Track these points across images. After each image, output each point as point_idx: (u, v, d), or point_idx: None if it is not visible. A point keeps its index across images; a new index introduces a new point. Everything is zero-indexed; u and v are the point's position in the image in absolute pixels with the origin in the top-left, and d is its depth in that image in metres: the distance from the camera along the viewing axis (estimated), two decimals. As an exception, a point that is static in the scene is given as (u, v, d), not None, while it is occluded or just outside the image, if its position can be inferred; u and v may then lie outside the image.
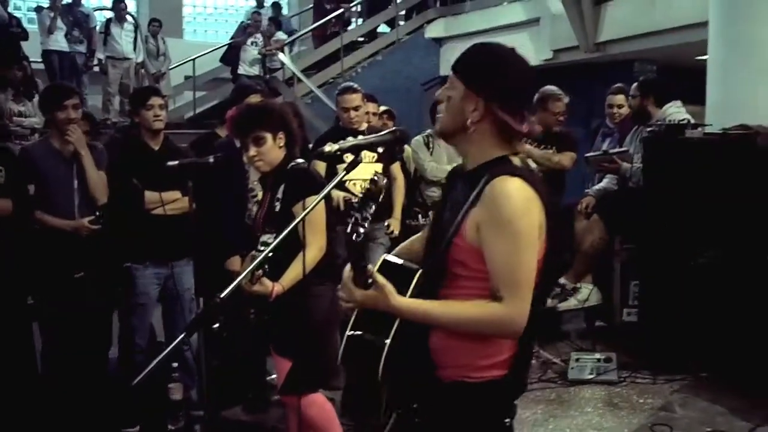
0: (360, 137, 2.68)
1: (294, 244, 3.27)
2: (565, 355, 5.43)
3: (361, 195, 2.05)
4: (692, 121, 5.33)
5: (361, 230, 2.03)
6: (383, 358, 2.04)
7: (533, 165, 5.51)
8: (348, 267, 2.09)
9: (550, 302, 5.72)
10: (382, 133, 2.31)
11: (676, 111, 5.44)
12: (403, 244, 2.43)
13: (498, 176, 1.97)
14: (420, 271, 2.09)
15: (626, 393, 4.91)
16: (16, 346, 4.07)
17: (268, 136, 3.39)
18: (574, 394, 4.93)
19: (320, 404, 3.53)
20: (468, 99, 2.03)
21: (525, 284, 1.96)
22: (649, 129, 5.32)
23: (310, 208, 2.29)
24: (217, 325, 2.14)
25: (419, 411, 2.11)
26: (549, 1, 10.53)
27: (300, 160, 3.45)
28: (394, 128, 2.35)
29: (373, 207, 2.09)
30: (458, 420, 2.08)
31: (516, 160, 2.08)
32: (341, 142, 2.24)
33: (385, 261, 2.13)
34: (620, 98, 6.08)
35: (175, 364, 4.40)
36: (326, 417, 3.54)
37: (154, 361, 2.06)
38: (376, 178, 2.11)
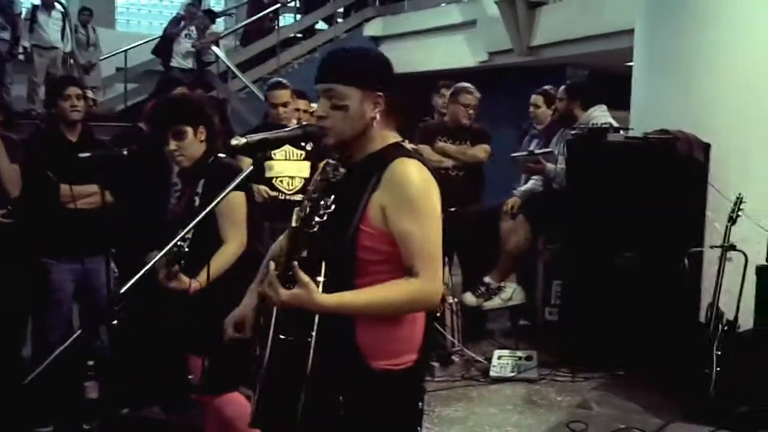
0: (272, 132, 2.64)
1: (214, 241, 3.23)
2: (488, 353, 5.48)
3: (322, 182, 2.02)
4: (615, 125, 5.43)
5: (317, 220, 2.00)
6: (311, 355, 2.04)
7: (449, 162, 5.61)
8: (271, 264, 2.07)
9: (475, 301, 5.79)
10: (292, 127, 2.30)
11: (600, 114, 5.55)
12: (273, 246, 2.46)
13: (396, 159, 2.08)
14: (323, 263, 2.07)
15: (545, 391, 4.98)
16: None
17: (189, 129, 3.32)
18: (496, 392, 4.99)
19: (238, 403, 3.48)
20: (367, 99, 2.12)
21: (436, 257, 2.08)
22: (573, 132, 5.41)
23: (215, 203, 2.25)
24: (116, 321, 2.09)
25: (344, 403, 2.12)
26: (485, 4, 10.64)
27: (222, 155, 3.40)
28: (303, 123, 2.33)
29: (333, 197, 2.08)
30: (382, 409, 2.13)
31: (407, 145, 2.19)
32: (249, 135, 2.22)
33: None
34: (539, 99, 6.26)
35: (91, 362, 4.31)
36: (244, 415, 3.49)
37: (48, 359, 2.01)
38: (334, 163, 2.10)
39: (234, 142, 2.18)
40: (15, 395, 4.29)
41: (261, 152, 2.23)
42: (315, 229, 2.04)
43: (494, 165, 6.05)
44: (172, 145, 3.32)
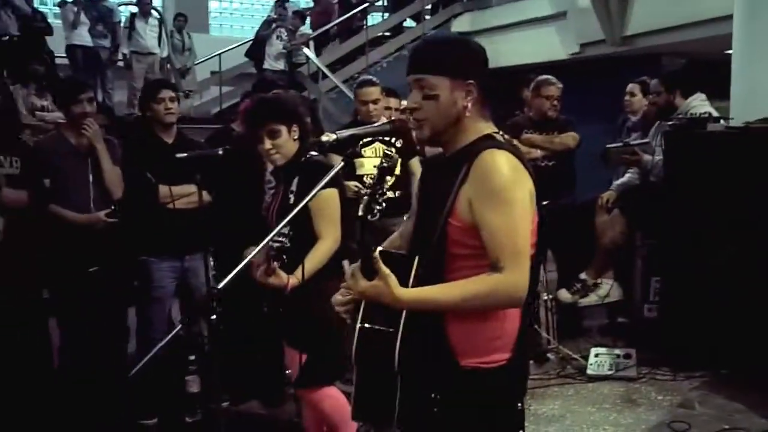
0: (360, 127, 2.65)
1: (310, 237, 3.27)
2: (584, 351, 5.38)
3: (378, 170, 2.04)
4: (715, 114, 5.23)
5: (377, 208, 2.01)
6: (397, 347, 2.03)
7: (538, 153, 5.52)
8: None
9: (570, 298, 5.71)
10: (380, 123, 2.30)
11: (699, 104, 5.35)
12: (385, 243, 2.43)
13: (485, 150, 2.03)
14: (417, 258, 2.07)
15: (645, 389, 4.85)
16: (32, 340, 4.10)
17: (283, 128, 3.38)
18: (593, 390, 4.89)
19: (335, 397, 3.52)
20: (458, 89, 2.09)
21: (523, 251, 1.99)
22: (670, 122, 5.25)
23: (306, 199, 2.26)
24: (214, 316, 2.13)
25: (438, 400, 2.09)
26: (575, -5, 10.44)
27: (314, 153, 3.44)
28: (393, 118, 2.33)
29: (389, 182, 2.09)
30: (477, 408, 2.09)
31: (499, 137, 2.13)
32: (339, 132, 2.23)
33: (381, 252, 2.10)
34: (635, 87, 6.14)
35: (193, 357, 4.43)
36: (341, 410, 3.52)
37: (150, 354, 2.07)
38: (389, 153, 2.11)
39: (324, 138, 2.20)
40: (121, 389, 4.47)
41: (351, 148, 2.24)
42: (377, 218, 2.04)
43: (587, 158, 5.92)
44: (267, 143, 3.38)
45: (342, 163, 2.23)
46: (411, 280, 2.04)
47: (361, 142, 2.26)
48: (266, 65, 10.69)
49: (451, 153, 2.16)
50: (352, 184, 4.79)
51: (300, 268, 3.23)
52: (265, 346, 4.84)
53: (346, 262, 2.07)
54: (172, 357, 4.29)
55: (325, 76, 11.31)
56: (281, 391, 4.82)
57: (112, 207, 4.26)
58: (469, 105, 2.09)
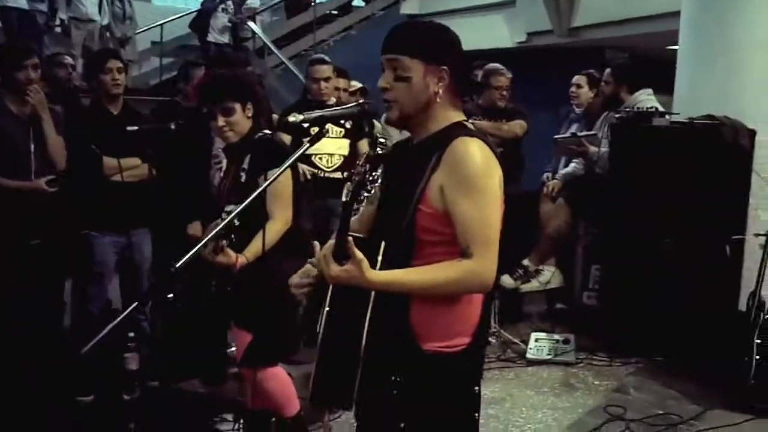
0: (327, 109, 2.62)
1: (260, 217, 3.24)
2: (525, 335, 5.48)
3: (372, 156, 2.01)
4: (661, 109, 5.34)
5: (365, 195, 1.99)
6: (365, 332, 2.03)
7: None
8: (330, 241, 2.06)
9: (512, 283, 5.78)
10: (348, 105, 2.28)
11: (646, 99, 5.45)
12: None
13: (457, 138, 2.04)
14: (383, 242, 2.06)
15: (583, 374, 4.98)
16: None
17: (237, 106, 3.33)
18: (532, 374, 5.00)
19: (279, 377, 3.51)
20: (430, 73, 2.09)
21: (493, 238, 2.02)
22: (617, 115, 5.34)
23: (271, 178, 2.24)
24: (171, 294, 2.09)
25: (398, 383, 2.10)
26: (525, -17, 10.50)
27: (267, 131, 3.40)
28: (360, 101, 2.31)
29: (380, 171, 2.08)
30: (436, 391, 2.11)
31: (469, 125, 2.15)
32: (306, 112, 2.19)
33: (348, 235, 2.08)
34: (582, 79, 6.15)
35: (132, 334, 4.34)
36: (285, 390, 3.52)
37: (105, 329, 2.02)
38: (383, 141, 2.09)
39: (291, 119, 2.16)
40: (58, 365, 4.37)
41: (318, 129, 2.20)
42: (363, 204, 2.03)
43: (532, 147, 5.99)
44: (220, 120, 3.33)
45: (308, 144, 2.20)
46: (378, 266, 2.03)
47: (311, 120, 2.22)
48: (210, 38, 10.46)
49: (419, 139, 2.16)
50: (306, 167, 4.76)
51: (249, 247, 3.20)
52: (208, 324, 4.79)
53: (316, 243, 2.05)
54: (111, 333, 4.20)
55: (270, 52, 11.16)
56: (223, 370, 4.78)
57: (54, 177, 4.13)
58: (440, 91, 2.10)
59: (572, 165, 5.91)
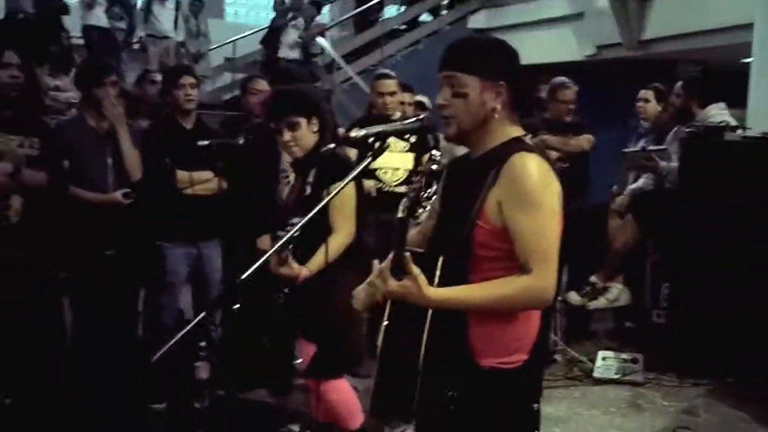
0: (389, 124, 2.65)
1: (324, 230, 3.29)
2: (592, 354, 5.39)
3: (424, 172, 2.03)
4: (733, 123, 5.23)
5: (420, 211, 2.02)
6: (423, 346, 2.04)
7: (552, 154, 5.50)
8: (390, 256, 2.08)
9: (579, 300, 5.71)
10: (409, 120, 2.31)
11: (718, 113, 5.33)
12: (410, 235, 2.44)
13: (515, 153, 2.04)
14: (441, 258, 2.08)
15: (651, 395, 4.87)
16: (47, 319, 4.10)
17: (303, 121, 3.40)
18: (599, 394, 4.91)
19: (343, 390, 3.54)
20: (488, 89, 2.10)
21: (551, 254, 2.01)
22: (688, 129, 5.24)
23: (335, 192, 2.28)
24: (238, 305, 2.14)
25: (456, 398, 2.11)
26: (594, -4, 10.41)
27: (332, 146, 3.45)
28: (421, 116, 2.34)
29: (434, 187, 2.11)
30: (493, 407, 2.11)
31: (528, 140, 2.15)
32: (368, 127, 2.23)
33: (406, 250, 2.10)
34: (648, 93, 6.00)
35: (203, 344, 4.45)
36: (348, 402, 3.55)
37: (175, 338, 2.08)
38: (438, 157, 2.11)
39: (353, 133, 2.20)
40: (131, 371, 4.49)
41: (379, 144, 2.23)
42: (419, 220, 2.05)
43: (600, 162, 5.92)
44: (286, 135, 3.40)
45: (370, 159, 2.23)
46: (436, 281, 2.05)
47: (373, 135, 2.25)
48: (281, 54, 10.66)
49: (478, 155, 2.17)
50: (372, 183, 4.81)
51: (313, 259, 3.25)
52: (276, 335, 4.87)
53: (376, 261, 2.08)
54: (183, 343, 4.31)
55: (339, 67, 11.30)
56: (289, 381, 4.84)
57: (129, 190, 4.26)
58: (498, 107, 2.10)
59: (641, 180, 5.81)
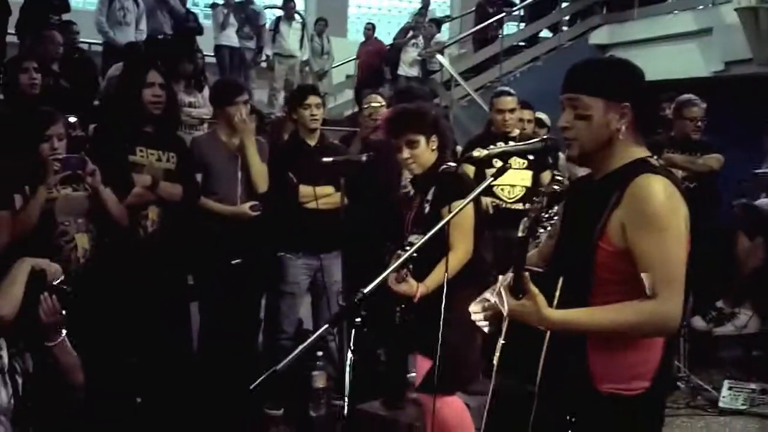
0: (510, 143, 2.67)
1: (441, 247, 3.32)
2: (717, 382, 5.20)
3: (547, 193, 2.04)
4: None
5: (540, 231, 2.03)
6: (540, 368, 2.06)
7: (679, 173, 5.33)
8: (509, 274, 2.09)
9: (705, 326, 5.53)
10: (533, 141, 2.32)
11: None
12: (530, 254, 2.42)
13: (640, 175, 2.01)
14: (562, 278, 2.07)
15: (780, 427, 4.66)
16: (176, 324, 4.29)
17: (422, 139, 3.44)
18: (725, 424, 4.75)
19: (455, 407, 3.54)
20: (611, 110, 2.08)
21: (677, 278, 1.97)
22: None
23: (456, 210, 2.30)
24: (359, 319, 2.19)
25: (574, 423, 2.09)
26: (723, 11, 10.04)
27: (451, 164, 3.48)
28: (545, 137, 2.35)
29: (556, 208, 2.12)
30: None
31: (653, 161, 2.10)
32: (491, 147, 2.26)
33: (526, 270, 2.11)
34: None
35: (320, 353, 4.56)
36: (460, 419, 3.55)
37: (299, 348, 2.15)
38: (560, 178, 2.13)
39: (476, 153, 2.23)
40: (252, 378, 4.63)
41: (502, 164, 2.25)
42: (540, 240, 2.04)
43: (729, 182, 5.72)
44: (405, 153, 3.45)
45: (492, 179, 2.25)
46: (555, 301, 2.05)
47: (496, 156, 2.26)
48: (401, 71, 10.83)
49: (601, 176, 2.14)
50: (489, 200, 4.82)
51: (430, 277, 3.28)
52: (392, 348, 4.93)
53: (501, 277, 2.09)
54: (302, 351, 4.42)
55: (457, 84, 11.35)
56: (403, 394, 4.89)
57: (257, 202, 4.42)
58: (623, 128, 2.08)
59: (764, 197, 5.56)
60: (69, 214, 3.64)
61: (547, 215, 2.02)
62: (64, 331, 2.99)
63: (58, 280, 2.99)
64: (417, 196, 3.58)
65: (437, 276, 3.24)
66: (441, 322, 3.33)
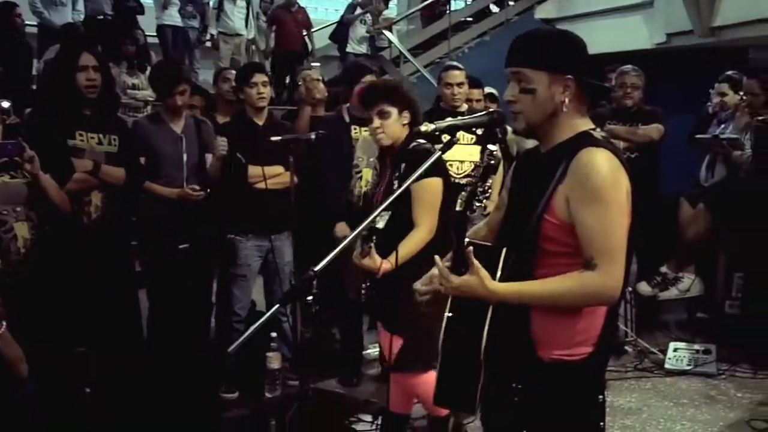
0: (458, 117, 2.67)
1: (407, 224, 3.33)
2: (663, 345, 5.34)
3: (481, 167, 2.02)
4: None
5: (478, 205, 2.02)
6: (484, 337, 2.06)
7: (620, 144, 5.42)
8: (436, 258, 2.10)
9: (650, 291, 5.66)
10: (479, 114, 2.32)
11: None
12: (469, 233, 2.44)
13: (583, 148, 2.03)
14: (504, 249, 2.09)
15: (724, 386, 4.81)
16: (124, 311, 4.24)
17: (394, 111, 3.43)
18: (671, 385, 4.87)
19: (430, 383, 3.55)
20: (555, 83, 2.09)
21: (618, 250, 1.99)
22: (760, 119, 5.13)
23: (405, 184, 2.28)
24: (311, 297, 2.18)
25: (519, 390, 2.12)
26: (663, -17, 10.19)
27: (422, 141, 3.42)
28: (491, 109, 2.34)
29: (490, 181, 2.09)
30: (558, 399, 2.11)
31: (597, 134, 2.12)
32: (438, 121, 2.23)
33: (469, 243, 2.09)
34: (724, 86, 5.88)
35: (274, 334, 4.55)
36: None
37: (250, 329, 2.14)
38: (494, 151, 2.11)
39: (423, 128, 2.20)
40: (204, 362, 4.62)
41: (449, 138, 2.25)
42: (476, 213, 2.03)
43: (671, 150, 5.82)
44: (376, 122, 3.44)
45: (439, 153, 2.26)
46: (498, 273, 2.06)
47: (443, 129, 2.25)
48: (349, 48, 10.74)
49: (547, 149, 2.16)
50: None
51: (393, 253, 3.27)
52: (347, 326, 4.95)
53: (437, 257, 2.09)
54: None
55: (406, 61, 11.33)
56: (359, 371, 4.93)
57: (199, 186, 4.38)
58: (567, 100, 2.09)
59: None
60: (6, 202, 3.49)
61: (482, 189, 2.02)
62: (4, 324, 2.94)
63: None
64: (386, 172, 3.56)
65: (401, 253, 3.21)
66: (408, 300, 3.32)
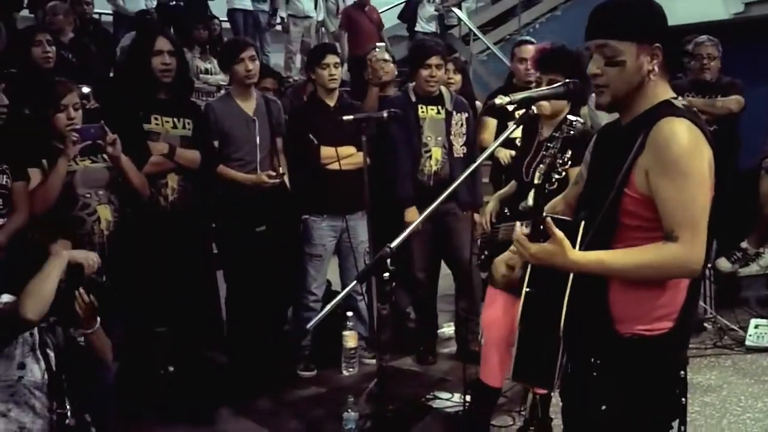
0: (534, 90, 2.59)
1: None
2: (743, 322, 5.22)
3: (560, 138, 1.97)
4: None
5: (556, 177, 1.99)
6: (564, 312, 2.05)
7: None
8: (522, 223, 2.08)
9: (730, 267, 5.53)
10: (555, 85, 2.27)
11: None
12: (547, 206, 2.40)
13: (662, 118, 1.98)
14: (583, 223, 2.07)
15: (807, 364, 4.67)
16: (203, 292, 4.30)
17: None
18: (752, 362, 4.77)
19: None
20: (644, 52, 2.03)
21: (699, 222, 1.94)
22: None
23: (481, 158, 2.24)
24: (387, 273, 2.19)
25: (598, 365, 2.10)
26: (743, -50, 9.84)
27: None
28: (567, 80, 2.28)
29: (570, 152, 2.04)
30: (637, 374, 2.08)
31: (678, 103, 2.06)
32: (512, 94, 2.19)
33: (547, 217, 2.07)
34: None
35: (350, 313, 4.60)
36: None
37: (328, 306, 2.17)
38: (575, 122, 2.06)
39: (498, 101, 2.16)
40: (282, 341, 4.71)
41: (525, 111, 2.22)
42: (555, 186, 1.99)
43: (751, 123, 5.65)
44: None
45: (515, 126, 2.23)
46: (577, 247, 2.04)
47: (518, 102, 2.18)
48: (418, 27, 10.67)
49: (627, 121, 2.11)
50: (508, 152, 4.77)
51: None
52: (420, 306, 4.97)
53: (517, 224, 2.07)
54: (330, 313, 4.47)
55: (476, 38, 11.22)
56: (434, 349, 4.95)
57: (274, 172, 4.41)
58: (656, 68, 2.04)
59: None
60: (89, 186, 3.56)
61: (561, 161, 1.98)
62: (98, 319, 3.02)
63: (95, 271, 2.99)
64: (532, 144, 3.33)
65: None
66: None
